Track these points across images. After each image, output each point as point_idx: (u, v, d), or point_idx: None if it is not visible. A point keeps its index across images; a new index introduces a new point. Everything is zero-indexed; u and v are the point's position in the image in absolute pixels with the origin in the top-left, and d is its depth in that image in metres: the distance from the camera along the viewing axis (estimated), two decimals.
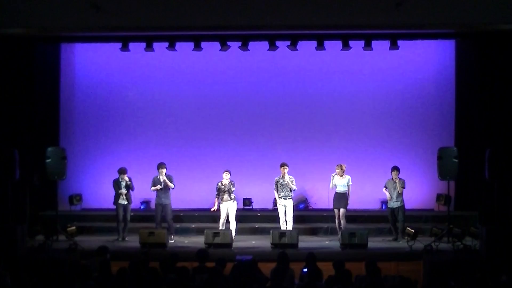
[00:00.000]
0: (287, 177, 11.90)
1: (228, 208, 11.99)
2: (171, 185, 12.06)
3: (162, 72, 14.21)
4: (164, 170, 12.09)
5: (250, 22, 11.36)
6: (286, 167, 11.95)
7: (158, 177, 12.10)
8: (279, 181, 11.97)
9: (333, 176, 11.99)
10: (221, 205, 12.03)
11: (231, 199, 11.98)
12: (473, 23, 11.32)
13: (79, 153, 13.93)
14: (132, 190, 12.18)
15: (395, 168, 12.03)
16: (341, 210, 11.96)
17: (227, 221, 12.05)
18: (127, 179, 12.07)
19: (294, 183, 11.93)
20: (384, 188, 12.16)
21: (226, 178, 11.92)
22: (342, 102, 14.16)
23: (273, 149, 13.96)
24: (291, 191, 11.94)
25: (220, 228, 11.91)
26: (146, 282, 7.40)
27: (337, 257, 8.98)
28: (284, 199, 11.96)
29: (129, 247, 11.52)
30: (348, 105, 14.14)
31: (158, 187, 12.03)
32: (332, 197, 12.12)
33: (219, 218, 12.06)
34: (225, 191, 11.92)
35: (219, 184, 11.96)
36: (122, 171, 12.11)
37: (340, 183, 11.97)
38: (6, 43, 12.20)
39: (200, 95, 14.23)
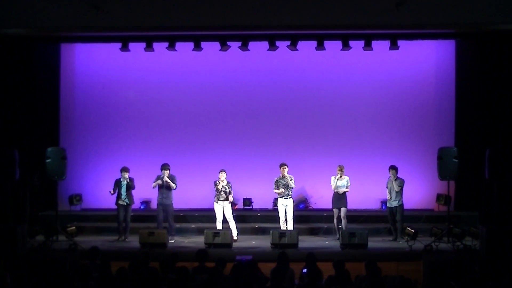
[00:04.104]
0: (286, 176, 11.91)
1: (224, 208, 12.01)
2: (173, 185, 12.07)
3: (162, 72, 14.21)
4: (167, 172, 12.10)
5: (250, 22, 11.36)
6: (286, 167, 11.96)
7: (161, 176, 12.12)
8: (279, 181, 11.98)
9: (336, 178, 12.00)
10: (216, 205, 12.03)
11: (227, 199, 11.99)
12: (473, 23, 11.32)
13: (79, 153, 13.93)
14: (133, 189, 12.18)
15: (392, 167, 12.04)
16: (342, 210, 11.99)
17: (225, 221, 12.05)
18: (127, 178, 12.07)
19: (293, 181, 11.95)
20: (387, 189, 12.16)
21: (223, 177, 11.92)
22: (342, 102, 14.17)
23: (273, 149, 13.96)
24: (288, 188, 11.92)
25: (218, 228, 11.92)
26: (146, 282, 7.40)
27: (337, 257, 8.97)
28: (284, 198, 11.98)
29: (129, 247, 11.53)
30: (348, 105, 14.14)
31: (159, 182, 12.03)
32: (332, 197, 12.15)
33: (215, 219, 12.07)
34: (223, 192, 11.92)
35: (217, 182, 11.95)
36: (123, 170, 12.12)
37: (340, 183, 11.99)
38: (6, 43, 12.20)
39: (200, 95, 14.23)
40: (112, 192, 12.07)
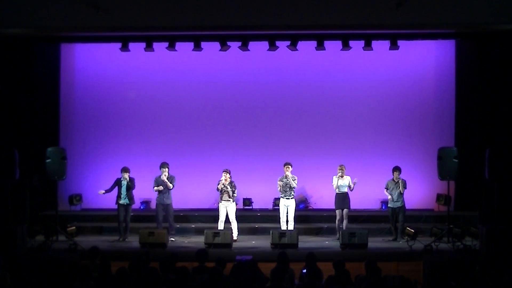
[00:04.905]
0: (289, 175, 11.89)
1: (227, 208, 12.00)
2: (170, 185, 12.08)
3: (162, 72, 14.22)
4: (166, 170, 12.11)
5: (250, 22, 11.35)
6: (289, 166, 11.95)
7: (160, 177, 12.12)
8: (282, 181, 11.96)
9: (337, 178, 11.99)
10: (220, 205, 12.05)
11: (230, 199, 11.99)
12: (473, 23, 11.32)
13: (79, 153, 13.93)
14: (133, 189, 12.17)
15: (397, 169, 12.04)
16: (345, 210, 11.99)
17: (227, 221, 12.06)
18: (128, 178, 12.08)
19: (295, 181, 11.92)
20: (385, 190, 12.16)
21: (226, 177, 11.92)
22: (342, 102, 14.17)
23: (273, 149, 13.97)
24: (290, 188, 11.90)
25: (219, 227, 11.92)
26: (146, 282, 7.39)
27: (337, 257, 8.97)
28: (286, 198, 11.97)
29: (129, 247, 11.53)
30: (348, 105, 14.15)
31: (161, 187, 12.05)
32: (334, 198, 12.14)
33: (218, 218, 12.07)
34: (225, 191, 11.93)
35: (220, 182, 11.95)
36: (124, 170, 12.12)
37: (341, 183, 11.98)
38: (6, 43, 12.19)
39: (200, 95, 14.24)
40: (103, 192, 12.03)
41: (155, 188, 12.14)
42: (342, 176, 11.99)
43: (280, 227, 11.93)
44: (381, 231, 12.48)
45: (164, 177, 12.06)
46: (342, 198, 11.99)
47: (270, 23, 11.35)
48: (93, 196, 13.87)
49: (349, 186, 11.98)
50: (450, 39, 13.44)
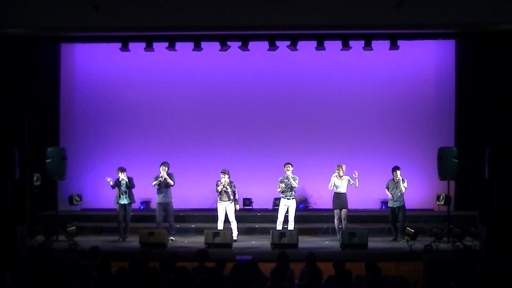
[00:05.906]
0: (289, 175, 11.87)
1: (227, 209, 12.00)
2: (171, 182, 12.06)
3: (162, 72, 14.23)
4: (166, 168, 12.11)
5: (250, 22, 11.33)
6: (289, 166, 11.95)
7: (160, 175, 12.12)
8: (283, 181, 11.95)
9: (334, 177, 11.99)
10: (219, 205, 12.05)
11: (229, 200, 11.98)
12: (473, 23, 11.31)
13: (79, 153, 13.95)
14: (133, 188, 12.18)
15: (397, 168, 12.04)
16: (343, 210, 11.98)
17: (227, 221, 12.06)
18: (125, 177, 12.07)
19: (296, 181, 11.91)
20: (386, 189, 12.16)
21: (225, 178, 11.92)
22: (342, 102, 14.18)
23: (273, 149, 13.98)
24: (292, 189, 11.90)
25: (219, 227, 11.92)
26: (146, 282, 7.39)
27: (337, 257, 8.97)
28: (287, 199, 11.97)
29: (129, 247, 11.54)
30: (348, 105, 14.16)
31: (159, 181, 12.01)
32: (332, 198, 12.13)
33: (217, 218, 12.07)
34: (225, 192, 11.92)
35: (218, 183, 11.93)
36: (120, 170, 12.12)
37: (339, 183, 11.98)
38: (6, 43, 12.18)
39: (200, 95, 14.25)
40: (109, 180, 12.02)
41: (154, 182, 12.09)
42: (340, 176, 11.99)
43: (276, 227, 11.92)
44: (381, 231, 12.49)
45: (163, 175, 12.05)
46: (340, 198, 11.98)
47: (270, 23, 11.34)
48: (93, 196, 13.91)
49: (353, 184, 11.96)
50: (450, 39, 13.43)
